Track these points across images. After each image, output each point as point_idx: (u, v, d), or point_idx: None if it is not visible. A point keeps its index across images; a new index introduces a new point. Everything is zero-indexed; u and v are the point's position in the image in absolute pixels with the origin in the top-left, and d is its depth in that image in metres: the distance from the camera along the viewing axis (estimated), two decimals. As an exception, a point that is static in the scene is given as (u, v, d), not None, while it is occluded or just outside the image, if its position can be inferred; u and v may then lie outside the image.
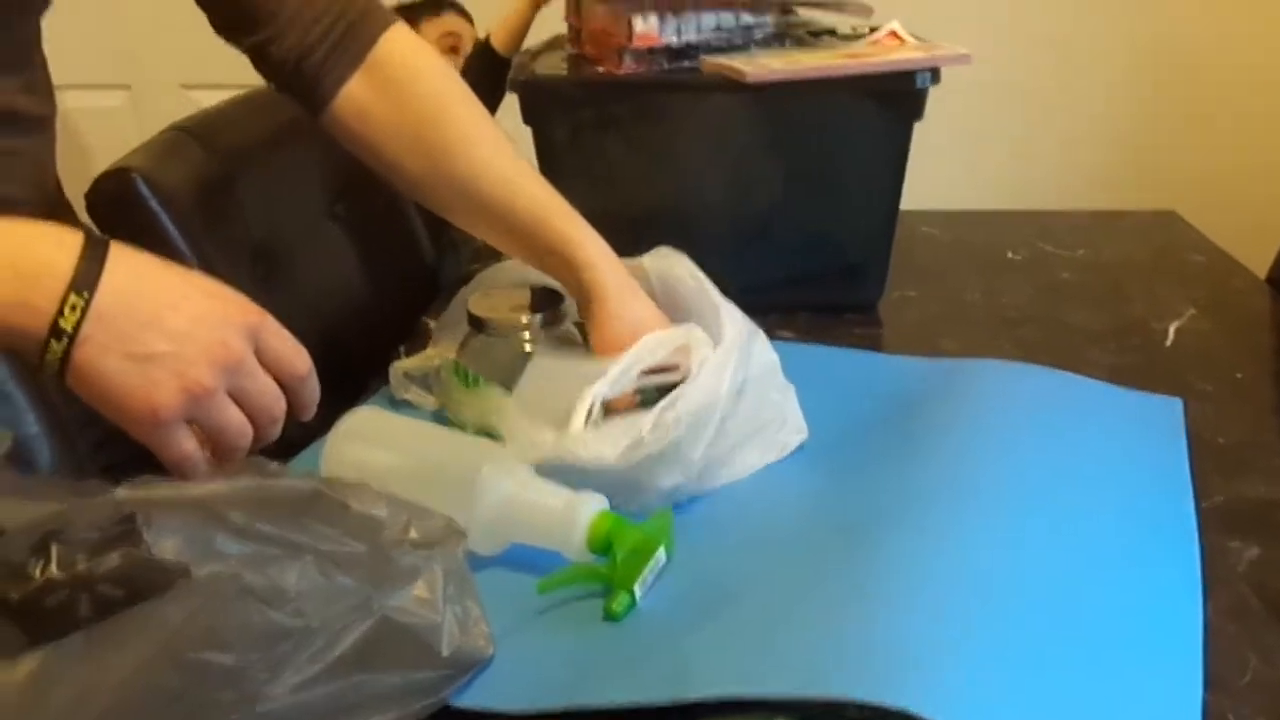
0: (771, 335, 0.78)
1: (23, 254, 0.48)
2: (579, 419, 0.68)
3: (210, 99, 2.08)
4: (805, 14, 1.08)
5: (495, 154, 0.79)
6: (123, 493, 0.41)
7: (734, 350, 0.70)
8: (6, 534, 0.39)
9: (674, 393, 0.68)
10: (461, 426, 0.76)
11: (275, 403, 0.53)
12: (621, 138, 0.99)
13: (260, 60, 0.77)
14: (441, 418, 0.80)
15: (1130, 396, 0.83)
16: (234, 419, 0.52)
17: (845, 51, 0.95)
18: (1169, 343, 0.96)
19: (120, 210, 0.77)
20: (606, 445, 0.65)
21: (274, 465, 0.54)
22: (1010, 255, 1.19)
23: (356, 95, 0.77)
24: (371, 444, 0.69)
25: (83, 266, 0.48)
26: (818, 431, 0.77)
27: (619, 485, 0.65)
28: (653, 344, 0.72)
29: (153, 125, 2.17)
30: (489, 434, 0.73)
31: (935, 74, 0.92)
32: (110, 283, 0.48)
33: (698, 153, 0.99)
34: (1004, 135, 2.03)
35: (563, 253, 0.77)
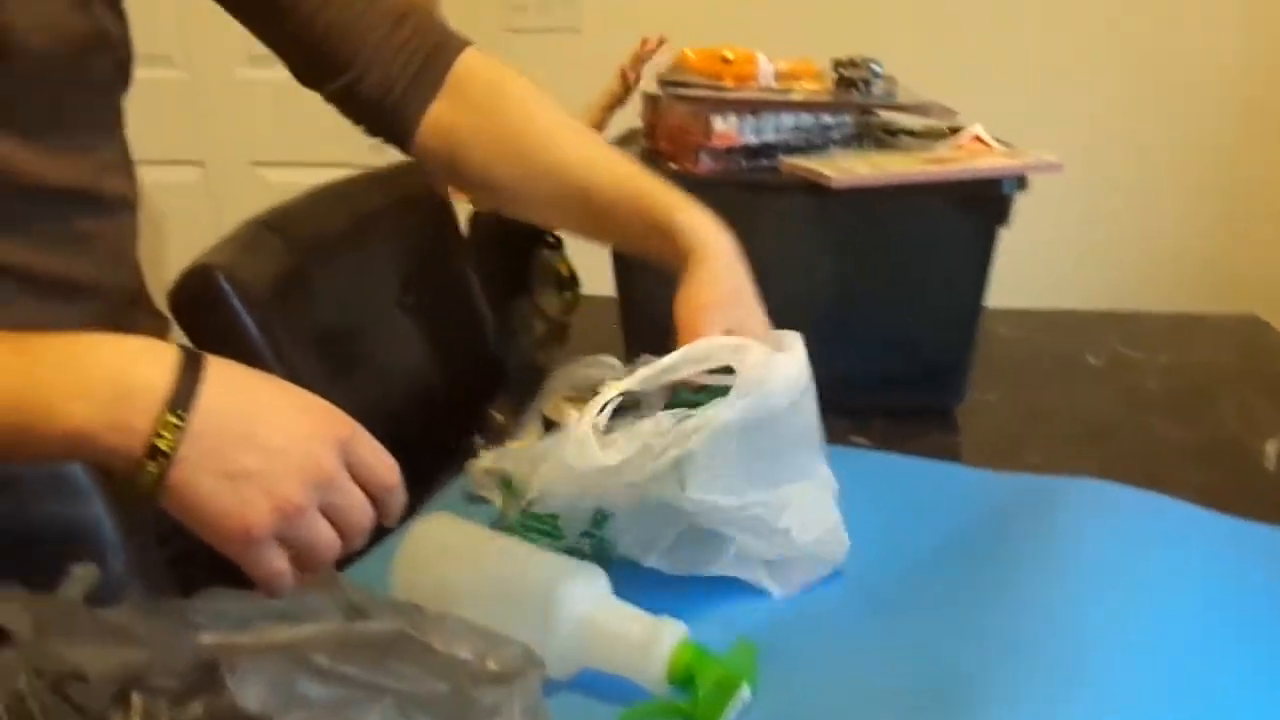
0: (845, 442, 0.76)
1: (119, 372, 0.47)
2: (588, 415, 0.63)
3: (278, 175, 2.16)
4: (886, 115, 1.07)
5: (581, 143, 0.80)
6: (206, 638, 0.39)
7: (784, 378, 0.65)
8: (88, 682, 0.37)
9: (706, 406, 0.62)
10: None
11: (364, 516, 0.53)
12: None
13: (346, 101, 0.78)
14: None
15: (1236, 526, 0.78)
16: (324, 535, 0.51)
17: (929, 155, 0.94)
18: (1269, 464, 0.92)
19: (203, 308, 0.77)
20: (610, 450, 0.61)
21: (350, 585, 0.53)
22: (1090, 360, 1.16)
23: (441, 116, 0.78)
24: (444, 557, 0.67)
25: (180, 386, 0.47)
26: (902, 551, 0.74)
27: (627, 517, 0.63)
28: (702, 351, 0.66)
29: (224, 201, 2.23)
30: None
31: (1022, 181, 0.90)
32: (206, 402, 0.48)
33: (776, 252, 0.96)
34: (1078, 233, 1.98)
35: (661, 221, 0.74)
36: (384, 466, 0.53)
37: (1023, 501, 0.83)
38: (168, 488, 0.47)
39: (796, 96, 1.00)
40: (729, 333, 0.68)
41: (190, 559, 0.78)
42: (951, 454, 0.94)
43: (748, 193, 0.96)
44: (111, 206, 0.73)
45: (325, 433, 0.51)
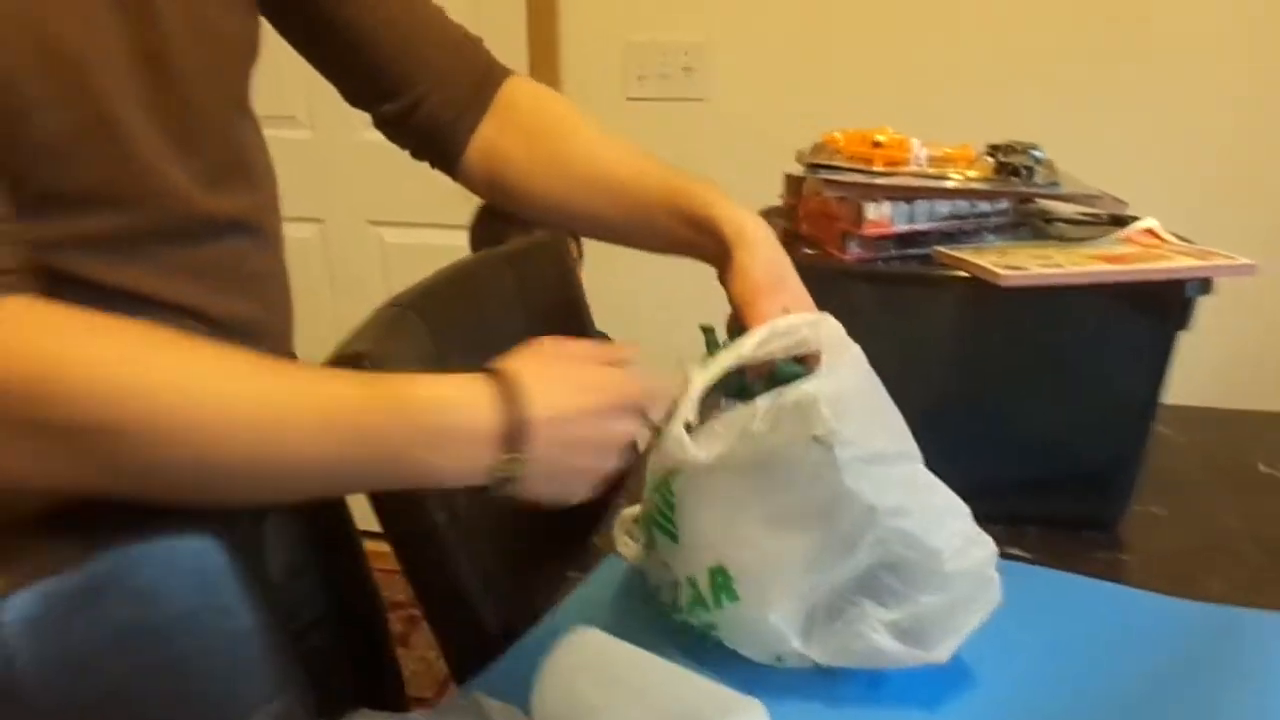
0: (999, 553, 0.69)
1: (455, 424, 0.53)
2: (682, 412, 0.66)
3: (393, 235, 2.18)
4: (1047, 204, 1.01)
5: (622, 150, 0.83)
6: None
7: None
8: None
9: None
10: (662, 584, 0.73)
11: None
12: (848, 325, 0.93)
13: (398, 123, 0.81)
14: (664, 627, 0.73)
15: None
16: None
17: (1101, 252, 0.87)
18: None
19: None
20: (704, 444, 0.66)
21: (493, 705, 0.50)
22: (1263, 469, 1.07)
23: (487, 136, 0.82)
24: (591, 680, 0.62)
25: (511, 427, 0.54)
26: (1065, 677, 0.67)
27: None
28: (784, 326, 0.69)
29: (340, 257, 2.25)
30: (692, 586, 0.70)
31: (1207, 284, 0.83)
32: (535, 433, 0.54)
33: (929, 346, 0.92)
34: (1257, 332, 1.86)
35: (700, 214, 0.77)
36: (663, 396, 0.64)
37: (1203, 635, 0.75)
38: (507, 493, 0.56)
39: (953, 183, 0.95)
40: (785, 312, 0.71)
41: (321, 655, 0.76)
42: (1117, 574, 0.87)
43: (902, 285, 0.91)
44: (272, 244, 0.75)
45: (618, 404, 0.59)
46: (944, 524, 0.66)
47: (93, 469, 0.47)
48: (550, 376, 0.57)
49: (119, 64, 0.59)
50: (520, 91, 0.84)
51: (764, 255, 0.75)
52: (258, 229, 0.71)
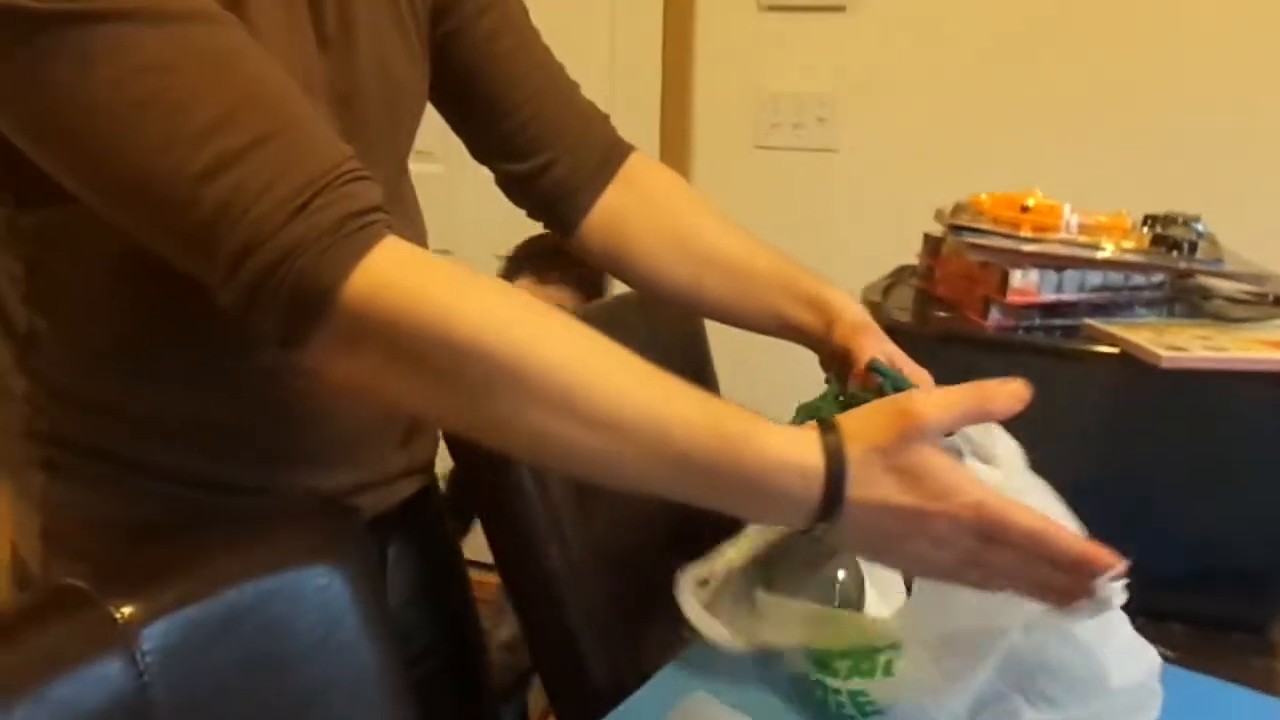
0: None
1: (778, 486, 0.53)
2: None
3: (518, 267, 2.21)
4: (1206, 280, 0.95)
5: (731, 229, 0.86)
6: None
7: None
8: None
9: None
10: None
11: (1027, 569, 0.54)
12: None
13: (524, 183, 0.83)
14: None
15: None
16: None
17: (1268, 337, 0.82)
18: None
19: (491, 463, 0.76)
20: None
21: None
22: None
23: (609, 206, 0.84)
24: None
25: (824, 508, 0.53)
26: None
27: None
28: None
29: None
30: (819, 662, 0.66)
31: (1390, 377, 0.77)
32: (850, 514, 0.53)
33: (1076, 423, 0.87)
34: None
35: (814, 293, 0.80)
36: (1028, 537, 0.53)
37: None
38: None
39: (1107, 254, 0.91)
40: (888, 358, 0.73)
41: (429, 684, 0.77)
42: (1271, 683, 0.80)
43: (1047, 356, 0.87)
44: None
45: (961, 529, 0.53)
46: (1112, 632, 0.62)
47: (464, 415, 0.54)
48: (879, 474, 0.54)
49: (319, 104, 0.61)
50: (644, 168, 0.87)
51: (865, 315, 0.78)
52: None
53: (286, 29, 0.61)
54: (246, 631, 0.47)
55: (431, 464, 0.85)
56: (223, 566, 0.48)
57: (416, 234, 0.78)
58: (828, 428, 0.54)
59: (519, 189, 0.85)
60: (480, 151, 0.85)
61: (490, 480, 0.82)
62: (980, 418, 0.56)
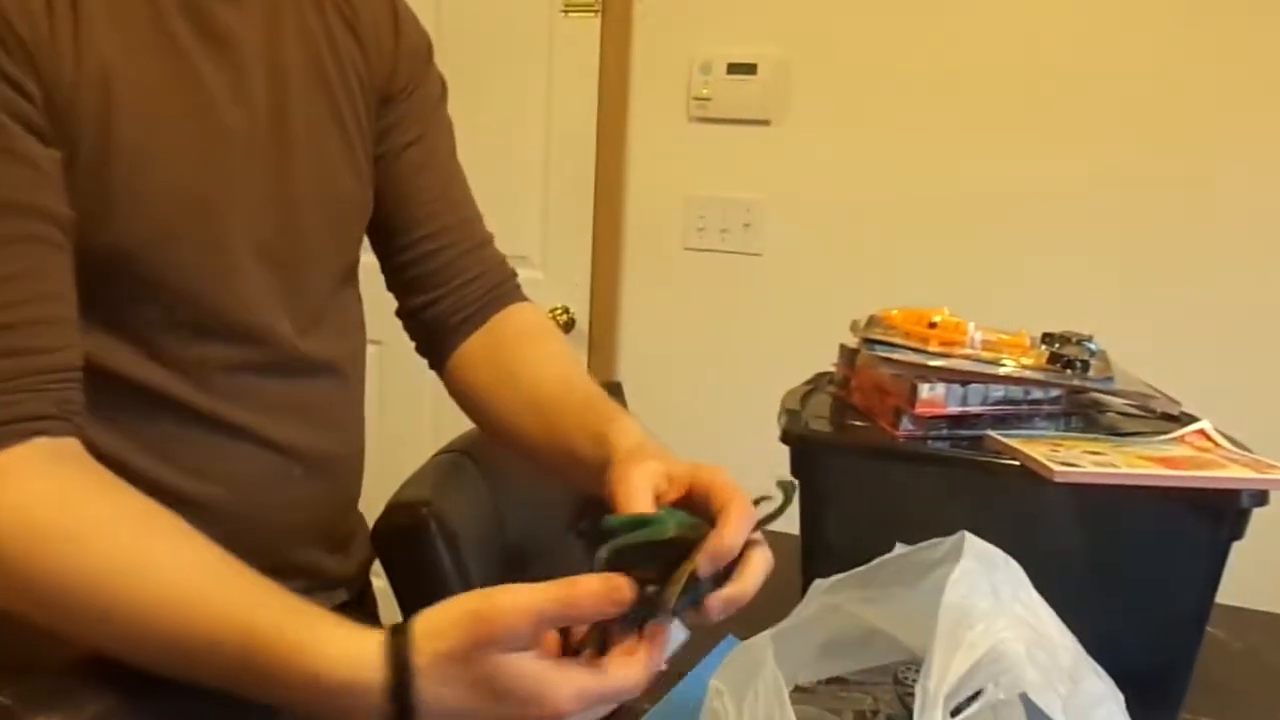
0: None
1: (341, 705, 0.51)
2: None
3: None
4: (1099, 396, 1.02)
5: (553, 364, 0.83)
6: None
7: None
8: None
9: None
10: None
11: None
12: (897, 500, 0.94)
13: (412, 318, 0.87)
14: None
15: None
16: None
17: (1156, 454, 0.88)
18: None
19: (408, 541, 0.78)
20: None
21: None
22: (1319, 683, 1.03)
23: (467, 348, 0.85)
24: None
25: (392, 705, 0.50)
26: None
27: None
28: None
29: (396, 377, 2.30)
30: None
31: (1263, 496, 0.83)
32: (428, 699, 0.50)
33: (977, 530, 0.91)
34: None
35: (599, 431, 0.73)
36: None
37: None
38: None
39: (1008, 370, 0.97)
40: (670, 481, 0.69)
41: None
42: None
43: (955, 467, 0.92)
44: (355, 387, 0.81)
45: None
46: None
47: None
48: (458, 691, 0.51)
49: (249, 208, 0.64)
50: (512, 311, 0.88)
51: (643, 453, 0.71)
52: (345, 373, 0.77)
53: (202, 136, 0.65)
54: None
55: (366, 568, 0.85)
56: (144, 683, 0.48)
57: (348, 345, 0.80)
58: (398, 630, 0.51)
59: (405, 319, 0.89)
60: (390, 285, 0.88)
61: (405, 558, 0.82)
62: (568, 619, 0.53)
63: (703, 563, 0.60)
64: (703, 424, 1.98)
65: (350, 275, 0.81)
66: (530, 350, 0.85)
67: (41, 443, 0.55)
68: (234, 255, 0.67)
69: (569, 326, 2.07)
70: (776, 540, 1.32)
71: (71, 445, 0.58)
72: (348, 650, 0.50)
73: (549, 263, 2.07)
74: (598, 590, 0.50)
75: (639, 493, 0.63)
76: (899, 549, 0.71)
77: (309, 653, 0.50)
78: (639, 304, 2.02)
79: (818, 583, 0.74)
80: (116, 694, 0.47)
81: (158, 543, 0.54)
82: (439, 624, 0.50)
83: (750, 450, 1.91)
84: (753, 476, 1.78)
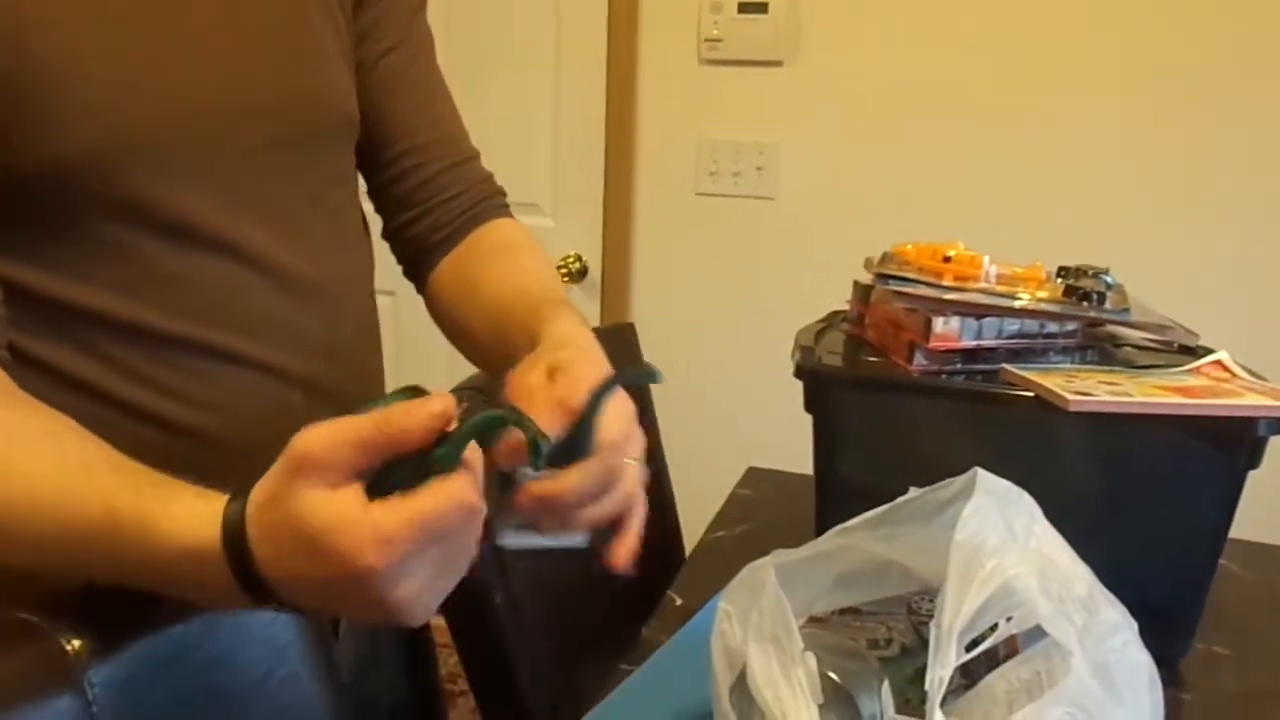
0: None
1: (193, 579, 0.48)
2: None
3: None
4: (1116, 329, 1.01)
5: (513, 272, 0.80)
6: None
7: None
8: None
9: None
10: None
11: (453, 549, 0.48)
12: (910, 435, 0.94)
13: (395, 237, 0.86)
14: None
15: None
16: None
17: (1172, 383, 0.87)
18: None
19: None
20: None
21: None
22: (1333, 612, 1.04)
23: (442, 268, 0.83)
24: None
25: (251, 586, 0.47)
26: None
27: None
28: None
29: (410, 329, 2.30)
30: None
31: (1279, 424, 0.82)
32: (279, 589, 0.47)
33: (991, 463, 0.91)
34: None
35: (534, 330, 0.67)
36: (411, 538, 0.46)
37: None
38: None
39: (1023, 303, 0.96)
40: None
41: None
42: (1176, 713, 0.85)
43: (966, 400, 0.91)
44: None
45: (349, 576, 0.45)
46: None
47: None
48: (280, 541, 0.46)
49: (207, 107, 0.66)
50: (490, 227, 0.86)
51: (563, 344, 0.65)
52: (337, 296, 0.77)
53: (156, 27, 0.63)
54: (192, 666, 0.48)
55: None
56: (170, 602, 0.49)
57: (338, 267, 0.78)
58: (239, 493, 0.48)
59: (390, 240, 0.87)
60: (376, 205, 0.86)
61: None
62: (386, 440, 0.45)
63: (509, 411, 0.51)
64: (718, 370, 1.99)
65: (336, 191, 0.78)
66: (495, 265, 0.82)
67: None
68: (196, 159, 0.66)
69: (581, 274, 2.06)
70: (789, 480, 1.34)
71: None
72: (194, 511, 0.48)
73: (559, 210, 2.06)
74: (418, 406, 0.45)
75: (522, 384, 0.59)
76: (913, 492, 0.71)
77: (160, 522, 0.48)
78: (651, 250, 2.01)
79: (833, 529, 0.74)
80: (140, 613, 0.48)
81: (15, 449, 0.52)
82: (268, 472, 0.47)
83: (764, 395, 1.92)
84: (768, 419, 1.81)
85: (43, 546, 0.50)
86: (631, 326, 1.32)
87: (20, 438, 0.52)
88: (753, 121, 1.89)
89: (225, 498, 0.48)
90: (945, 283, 0.98)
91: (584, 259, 2.06)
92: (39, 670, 0.44)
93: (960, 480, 0.70)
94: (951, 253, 1.01)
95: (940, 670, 0.60)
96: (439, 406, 0.45)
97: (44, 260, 0.63)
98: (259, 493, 0.46)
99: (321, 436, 0.44)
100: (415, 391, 0.47)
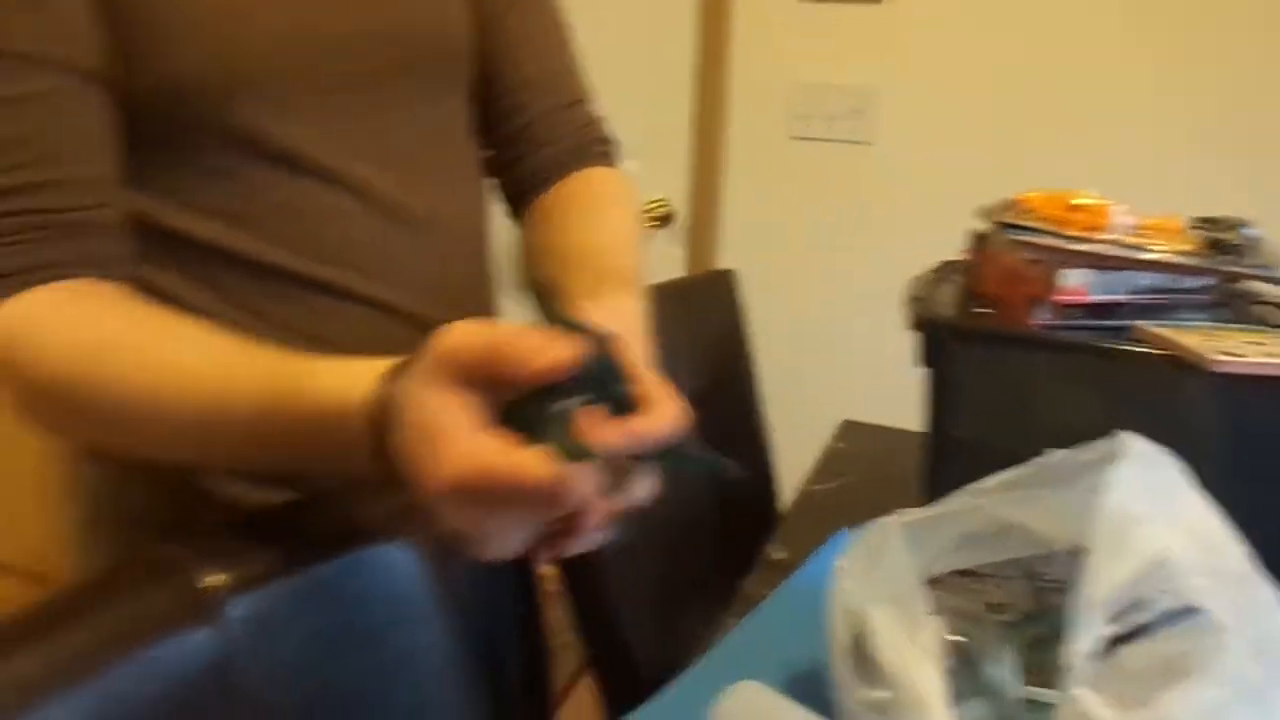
0: None
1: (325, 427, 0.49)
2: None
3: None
4: (1254, 285, 0.95)
5: (600, 230, 0.77)
6: None
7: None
8: None
9: None
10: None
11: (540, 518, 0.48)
12: (1031, 393, 0.90)
13: (500, 172, 0.84)
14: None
15: None
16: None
17: (1324, 343, 0.82)
18: None
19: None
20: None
21: None
22: None
23: (531, 212, 0.81)
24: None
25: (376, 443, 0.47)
26: None
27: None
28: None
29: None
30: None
31: None
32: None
33: (1119, 424, 0.87)
34: None
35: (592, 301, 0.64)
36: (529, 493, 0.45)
37: None
38: None
39: (1157, 255, 0.90)
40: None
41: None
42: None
43: (1096, 357, 0.87)
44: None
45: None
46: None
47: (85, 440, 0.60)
48: (403, 419, 0.47)
49: (322, 35, 0.65)
50: (583, 177, 0.83)
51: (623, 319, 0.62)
52: (451, 233, 0.76)
53: None
54: (328, 605, 0.48)
55: None
56: (305, 540, 0.49)
57: (453, 203, 0.76)
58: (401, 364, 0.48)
59: (499, 177, 0.85)
60: (487, 142, 0.84)
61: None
62: (514, 353, 0.44)
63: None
64: (807, 321, 1.94)
65: (448, 125, 0.77)
66: (577, 217, 0.79)
67: (63, 284, 0.56)
68: (307, 85, 0.65)
69: (667, 220, 2.03)
70: (885, 434, 1.30)
71: (101, 286, 0.58)
72: (350, 370, 0.49)
73: (646, 153, 2.02)
74: (545, 338, 0.45)
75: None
76: (1052, 454, 0.68)
77: (320, 378, 0.49)
78: (741, 197, 1.96)
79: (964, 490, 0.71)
80: (276, 551, 0.48)
81: (169, 340, 0.55)
82: (419, 350, 0.47)
83: (857, 348, 1.88)
84: (861, 372, 1.77)
85: (205, 428, 0.51)
86: (731, 274, 1.29)
87: (171, 331, 0.55)
88: (850, 62, 1.82)
89: (384, 364, 0.49)
90: (1072, 233, 0.93)
91: (670, 204, 2.02)
92: (180, 605, 0.44)
93: (1105, 443, 0.66)
94: (1080, 200, 0.95)
95: (1083, 643, 0.57)
96: (573, 344, 0.45)
97: (158, 187, 0.63)
98: (407, 366, 0.47)
99: (461, 332, 0.45)
100: (576, 325, 0.47)
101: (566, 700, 1.52)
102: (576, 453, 0.44)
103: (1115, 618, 0.59)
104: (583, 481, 0.45)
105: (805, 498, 1.13)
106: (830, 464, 1.22)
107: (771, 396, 1.36)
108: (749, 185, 1.95)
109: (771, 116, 1.89)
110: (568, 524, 0.49)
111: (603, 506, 0.48)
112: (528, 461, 0.43)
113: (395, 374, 0.48)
